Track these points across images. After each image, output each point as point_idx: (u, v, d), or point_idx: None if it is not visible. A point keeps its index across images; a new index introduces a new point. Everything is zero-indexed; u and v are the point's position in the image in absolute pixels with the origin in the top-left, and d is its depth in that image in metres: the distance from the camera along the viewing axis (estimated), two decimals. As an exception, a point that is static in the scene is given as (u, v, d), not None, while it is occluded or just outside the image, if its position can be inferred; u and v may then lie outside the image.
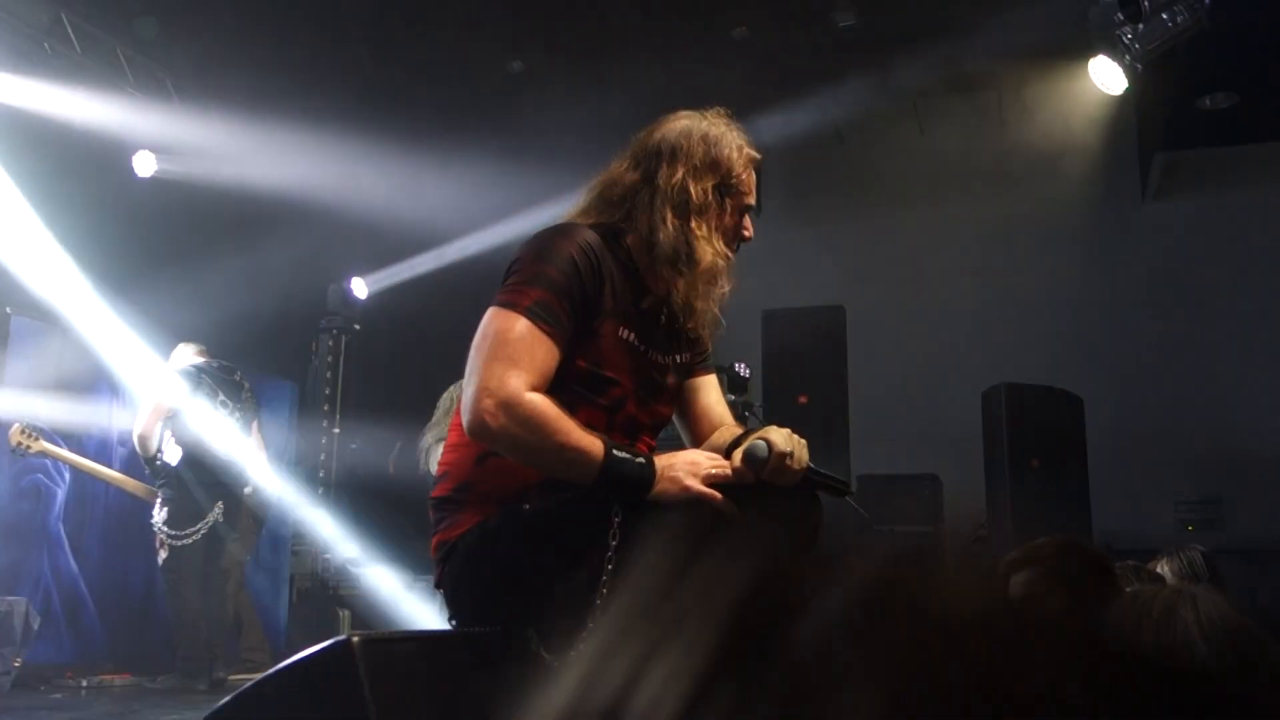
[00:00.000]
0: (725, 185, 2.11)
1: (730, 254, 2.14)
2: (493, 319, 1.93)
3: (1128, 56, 6.26)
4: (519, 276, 1.97)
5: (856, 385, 7.87)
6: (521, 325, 1.90)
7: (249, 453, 5.76)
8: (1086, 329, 8.53)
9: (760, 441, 1.93)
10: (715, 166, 2.10)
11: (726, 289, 2.15)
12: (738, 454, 1.94)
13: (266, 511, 6.10)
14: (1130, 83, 6.58)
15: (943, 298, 8.88)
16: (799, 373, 7.18)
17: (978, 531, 7.10)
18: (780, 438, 1.95)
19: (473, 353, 1.92)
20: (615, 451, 1.88)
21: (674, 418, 2.30)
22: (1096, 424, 7.22)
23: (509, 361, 1.87)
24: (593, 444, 1.87)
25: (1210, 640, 1.63)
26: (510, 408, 1.84)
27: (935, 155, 9.23)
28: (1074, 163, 8.73)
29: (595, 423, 1.96)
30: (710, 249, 2.07)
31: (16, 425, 5.40)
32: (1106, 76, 6.72)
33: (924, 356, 8.66)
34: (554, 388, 1.94)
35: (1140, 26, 6.00)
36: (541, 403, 1.86)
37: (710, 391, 2.31)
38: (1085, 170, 8.76)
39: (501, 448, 1.91)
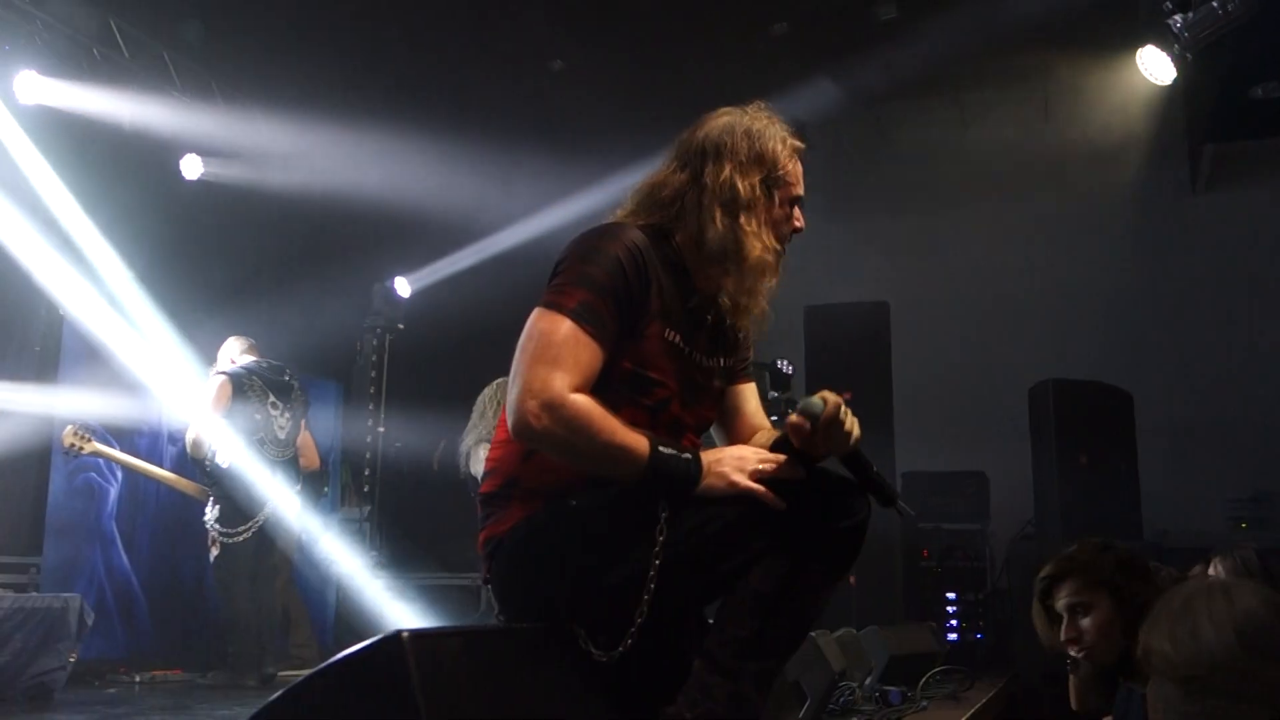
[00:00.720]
0: (772, 178, 2.11)
1: (779, 248, 2.13)
2: (537, 320, 1.93)
3: (1176, 46, 6.14)
4: (564, 278, 1.96)
5: (901, 382, 7.81)
6: (565, 327, 1.89)
7: (298, 452, 5.82)
8: (1135, 323, 8.41)
9: (816, 398, 1.93)
10: (760, 160, 2.09)
11: (774, 283, 2.14)
12: (793, 415, 1.92)
13: (311, 511, 6.15)
14: (1179, 73, 6.47)
15: (988, 293, 8.79)
16: (842, 369, 7.13)
17: (1025, 529, 7.02)
18: (834, 396, 1.94)
19: (517, 354, 1.91)
20: (661, 448, 1.87)
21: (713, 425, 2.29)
22: (1146, 420, 7.11)
23: (552, 363, 1.86)
24: (638, 441, 1.87)
25: (1221, 631, 1.65)
26: (554, 409, 1.84)
27: (979, 149, 9.14)
28: (1122, 155, 8.60)
29: (639, 423, 1.95)
30: (759, 244, 2.06)
31: (70, 427, 5.50)
32: (1155, 67, 6.61)
33: (969, 352, 8.58)
34: (598, 388, 1.92)
35: (1189, 15, 5.90)
36: (585, 403, 1.86)
37: (750, 399, 2.30)
38: (1133, 162, 8.64)
39: (546, 448, 1.91)
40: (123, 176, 6.69)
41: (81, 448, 5.50)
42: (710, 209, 2.05)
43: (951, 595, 7.46)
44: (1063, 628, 2.60)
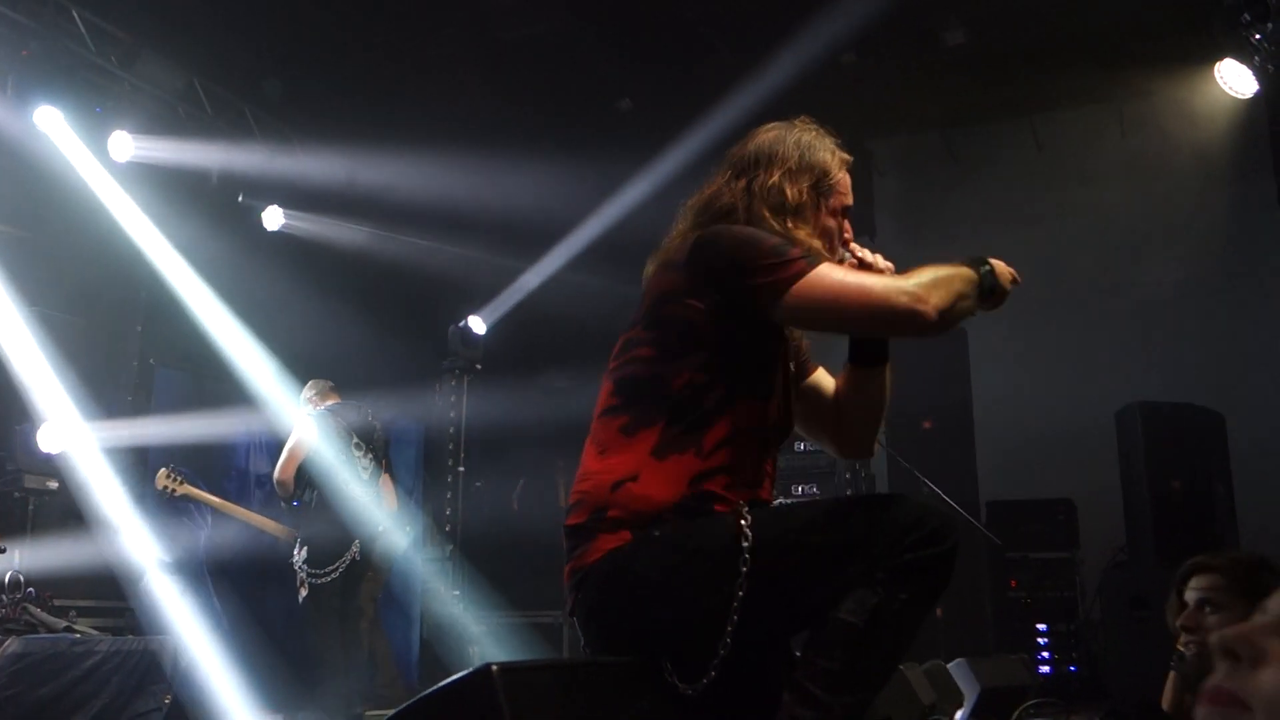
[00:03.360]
0: (821, 185, 2.15)
1: (830, 256, 2.13)
2: (814, 286, 1.92)
3: (1257, 58, 6.03)
4: (769, 255, 1.95)
5: (981, 410, 7.69)
6: (827, 268, 1.95)
7: (380, 493, 5.89)
8: (1223, 342, 8.17)
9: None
10: (810, 169, 2.15)
11: None
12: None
13: (395, 550, 6.22)
14: (1261, 84, 6.33)
15: (1069, 315, 8.62)
16: (922, 399, 7.05)
17: (1117, 556, 6.84)
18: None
19: (842, 315, 1.96)
20: (978, 265, 2.05)
21: (805, 421, 2.31)
22: (1240, 440, 6.89)
23: (864, 282, 1.94)
24: (963, 269, 2.03)
25: None
26: (916, 293, 1.90)
27: (1054, 170, 9.00)
28: (1203, 170, 8.41)
29: (752, 418, 2.01)
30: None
31: (163, 470, 5.65)
32: (1235, 80, 6.50)
33: (1051, 376, 8.41)
34: (723, 384, 1.98)
35: (1269, 26, 5.78)
36: (915, 274, 1.96)
37: (823, 374, 2.35)
38: (1215, 177, 8.43)
39: (951, 317, 1.96)
40: (209, 228, 6.91)
41: (174, 490, 5.64)
42: (759, 213, 2.09)
43: (1042, 626, 7.28)
44: (1183, 614, 2.57)
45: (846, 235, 2.20)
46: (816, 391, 2.30)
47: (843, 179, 2.19)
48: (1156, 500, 6.44)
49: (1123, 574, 6.54)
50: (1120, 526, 6.82)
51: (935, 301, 1.90)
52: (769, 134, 2.20)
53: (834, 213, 2.17)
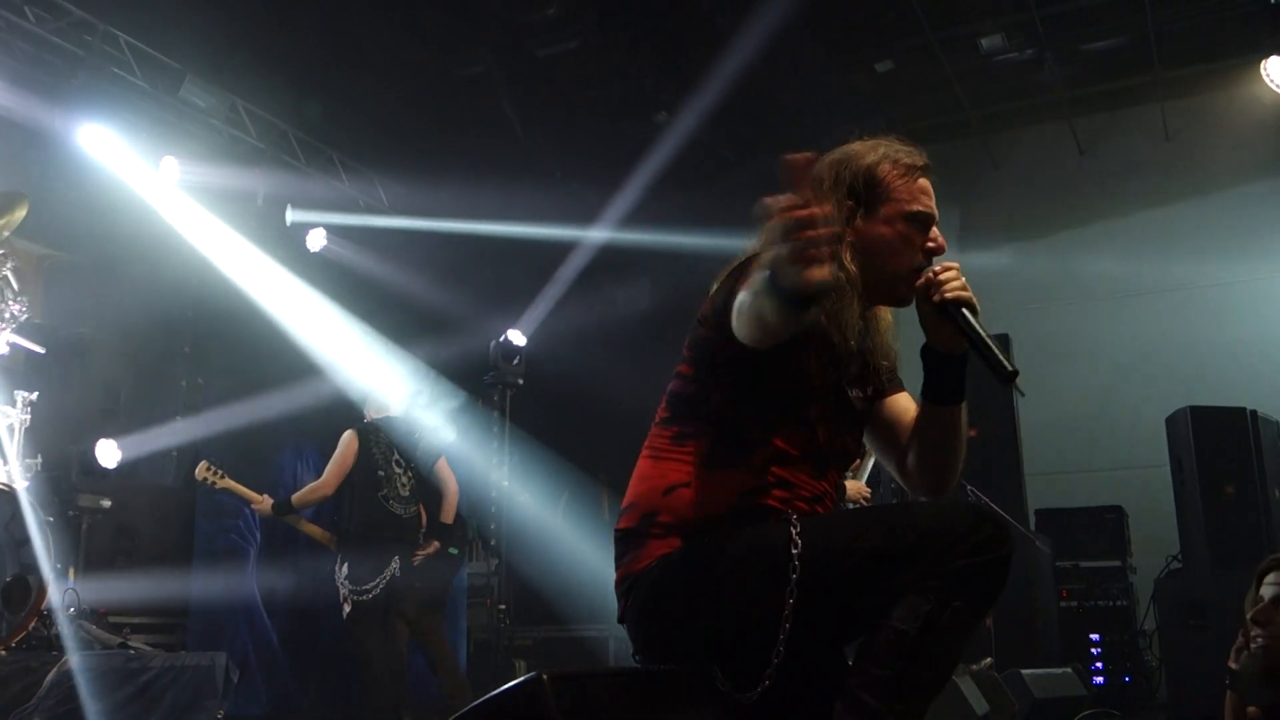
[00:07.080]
0: (864, 195, 2.06)
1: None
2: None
3: (1304, 54, 5.95)
4: (742, 276, 1.86)
5: (1028, 416, 7.61)
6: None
7: (420, 510, 5.90)
8: (1275, 343, 8.03)
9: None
10: (841, 183, 2.05)
11: (847, 309, 2.01)
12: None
13: (446, 571, 6.20)
14: (1308, 81, 6.25)
15: (1116, 320, 8.51)
16: (967, 406, 6.95)
17: (1170, 564, 6.72)
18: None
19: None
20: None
21: (874, 442, 2.24)
22: (1294, 445, 6.76)
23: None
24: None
25: None
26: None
27: (1097, 173, 8.91)
28: (1250, 169, 8.29)
29: (796, 440, 1.96)
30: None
31: (203, 463, 5.60)
32: (1281, 77, 6.41)
33: (1100, 382, 8.31)
34: (754, 406, 1.95)
35: (1316, 22, 5.70)
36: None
37: (903, 402, 2.23)
38: (1264, 175, 8.31)
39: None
40: (255, 249, 6.99)
41: (215, 482, 5.58)
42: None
43: (1095, 636, 7.17)
44: (1256, 608, 2.52)
45: (930, 245, 2.08)
46: (888, 416, 2.21)
47: (900, 185, 2.06)
48: (1209, 506, 6.33)
49: (1176, 582, 6.43)
50: (1173, 533, 6.71)
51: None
52: (833, 154, 2.12)
53: (891, 220, 2.05)
